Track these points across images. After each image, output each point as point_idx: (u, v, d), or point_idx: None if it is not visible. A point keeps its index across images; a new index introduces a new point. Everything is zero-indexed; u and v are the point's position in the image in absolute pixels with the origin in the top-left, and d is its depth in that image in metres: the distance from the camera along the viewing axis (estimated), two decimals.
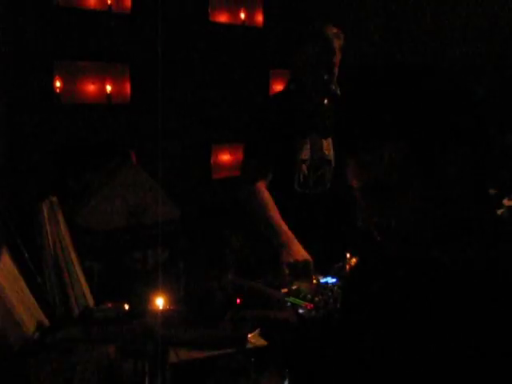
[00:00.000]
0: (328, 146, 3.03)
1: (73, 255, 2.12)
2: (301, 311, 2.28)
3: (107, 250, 2.95)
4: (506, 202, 3.05)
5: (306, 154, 2.96)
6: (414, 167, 1.21)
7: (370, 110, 1.25)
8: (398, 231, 1.26)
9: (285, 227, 2.70)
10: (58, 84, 4.20)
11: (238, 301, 2.28)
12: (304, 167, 2.97)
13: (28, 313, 1.91)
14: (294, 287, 2.46)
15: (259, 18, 5.28)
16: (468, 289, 1.14)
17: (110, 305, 2.08)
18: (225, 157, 5.14)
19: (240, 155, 5.18)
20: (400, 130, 1.22)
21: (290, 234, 2.69)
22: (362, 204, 1.31)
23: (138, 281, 2.46)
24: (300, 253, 2.64)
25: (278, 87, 5.41)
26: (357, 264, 2.06)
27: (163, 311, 2.09)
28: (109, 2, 4.39)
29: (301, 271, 2.54)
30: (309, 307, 2.31)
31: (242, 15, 5.12)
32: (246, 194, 2.84)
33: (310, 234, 2.79)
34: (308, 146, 2.96)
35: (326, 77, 2.84)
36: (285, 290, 2.46)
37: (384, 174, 1.23)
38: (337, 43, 2.85)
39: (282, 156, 2.90)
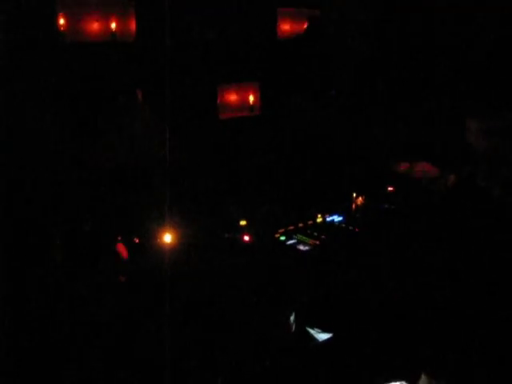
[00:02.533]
0: None
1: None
2: (306, 248, 2.32)
3: (116, 185, 2.97)
4: None
5: None
6: None
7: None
8: None
9: None
10: (61, 22, 4.12)
11: (247, 238, 2.33)
12: None
13: None
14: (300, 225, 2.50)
15: None
16: None
17: (119, 238, 2.12)
18: (232, 97, 5.08)
19: (246, 95, 5.16)
20: None
21: None
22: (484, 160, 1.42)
23: (147, 216, 2.49)
24: None
25: (285, 26, 5.30)
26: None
27: (171, 246, 2.13)
28: None
29: None
30: (314, 243, 2.35)
31: None
32: None
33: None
34: None
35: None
36: (291, 228, 2.50)
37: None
38: None
39: None
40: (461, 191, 2.28)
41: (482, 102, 2.88)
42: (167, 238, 2.15)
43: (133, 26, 4.44)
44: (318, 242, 2.36)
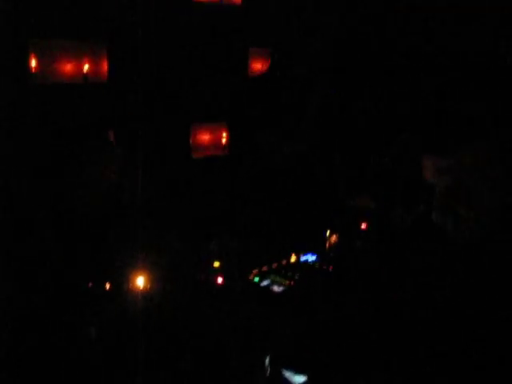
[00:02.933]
0: None
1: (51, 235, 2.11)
2: (281, 289, 2.30)
3: (87, 228, 2.93)
4: None
5: None
6: (496, 168, 1.28)
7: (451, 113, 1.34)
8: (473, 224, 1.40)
9: None
10: (33, 63, 4.12)
11: (220, 280, 2.30)
12: None
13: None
14: (274, 265, 2.48)
15: None
16: None
17: (90, 284, 2.07)
18: (205, 136, 5.10)
19: (219, 135, 5.19)
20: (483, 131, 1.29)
21: None
22: (439, 199, 1.43)
23: (119, 260, 2.46)
24: None
25: (257, 66, 5.37)
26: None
27: (144, 291, 2.09)
28: None
29: None
30: (289, 284, 2.33)
31: None
32: None
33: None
34: None
35: None
36: (265, 269, 2.48)
37: (463, 177, 1.31)
38: None
39: None
40: (417, 228, 2.32)
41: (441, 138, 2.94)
42: (139, 281, 2.11)
43: (105, 67, 4.46)
44: (292, 283, 2.34)
